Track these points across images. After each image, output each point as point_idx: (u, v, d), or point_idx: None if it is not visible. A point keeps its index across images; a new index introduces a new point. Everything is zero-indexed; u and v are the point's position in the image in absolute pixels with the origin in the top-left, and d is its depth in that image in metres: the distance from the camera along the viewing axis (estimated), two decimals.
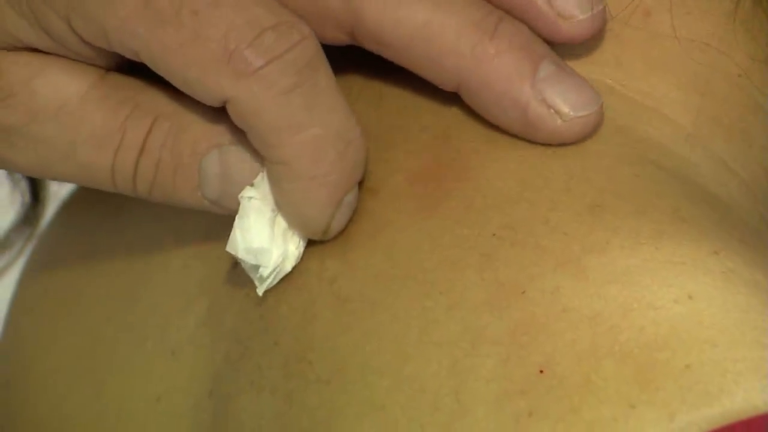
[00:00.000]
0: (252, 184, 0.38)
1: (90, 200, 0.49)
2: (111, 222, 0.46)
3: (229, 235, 0.37)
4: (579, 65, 0.39)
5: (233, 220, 0.37)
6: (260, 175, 0.38)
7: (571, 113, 0.37)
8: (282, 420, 0.36)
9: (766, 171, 0.41)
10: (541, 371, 0.32)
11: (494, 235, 0.36)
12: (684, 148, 0.39)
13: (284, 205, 0.37)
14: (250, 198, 0.38)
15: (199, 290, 0.41)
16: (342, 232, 0.38)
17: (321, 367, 0.36)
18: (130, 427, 0.42)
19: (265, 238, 0.37)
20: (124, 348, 0.43)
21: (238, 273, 0.40)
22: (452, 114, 0.39)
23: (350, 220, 0.38)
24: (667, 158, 0.38)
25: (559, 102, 0.37)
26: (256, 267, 0.37)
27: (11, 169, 0.39)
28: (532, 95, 0.37)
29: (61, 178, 0.39)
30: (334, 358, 0.36)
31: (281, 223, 0.38)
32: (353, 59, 0.40)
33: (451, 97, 0.39)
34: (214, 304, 0.40)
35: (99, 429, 0.43)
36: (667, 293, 0.33)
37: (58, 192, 0.53)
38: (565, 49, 0.39)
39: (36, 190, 0.54)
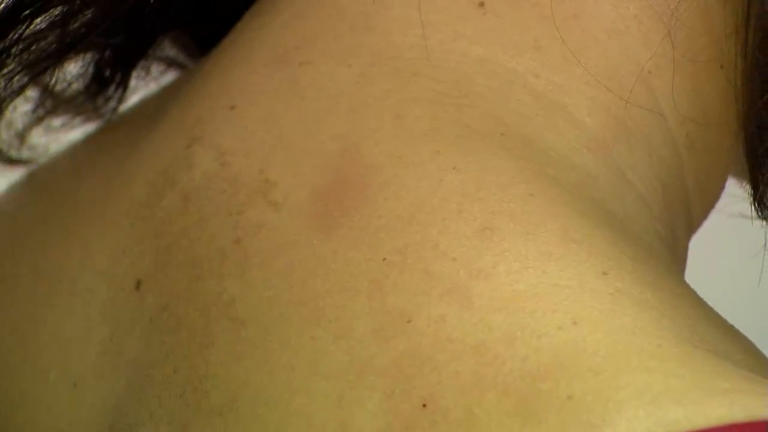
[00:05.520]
0: None
1: None
2: (17, 243, 0.46)
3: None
4: (501, 49, 0.38)
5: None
6: None
7: None
8: None
9: (663, 186, 0.40)
10: (425, 405, 0.32)
11: (385, 260, 0.35)
12: (585, 158, 0.38)
13: None
14: None
15: (101, 315, 0.40)
16: (242, 248, 0.37)
17: (215, 397, 0.35)
18: None
19: None
20: (29, 380, 0.42)
21: (142, 294, 0.39)
22: (365, 118, 0.38)
23: (251, 236, 0.37)
24: (566, 172, 0.38)
25: None
26: None
27: None
28: None
29: None
30: (227, 387, 0.35)
31: None
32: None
33: (371, 96, 0.38)
34: (116, 330, 0.40)
35: None
36: (551, 320, 0.32)
37: None
38: (492, 29, 0.38)
39: None
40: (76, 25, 0.41)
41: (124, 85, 0.48)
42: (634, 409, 0.30)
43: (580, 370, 0.31)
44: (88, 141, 0.49)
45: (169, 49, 0.51)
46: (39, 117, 0.49)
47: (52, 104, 0.48)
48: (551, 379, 0.31)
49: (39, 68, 0.42)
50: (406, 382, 0.32)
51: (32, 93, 0.47)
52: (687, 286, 0.37)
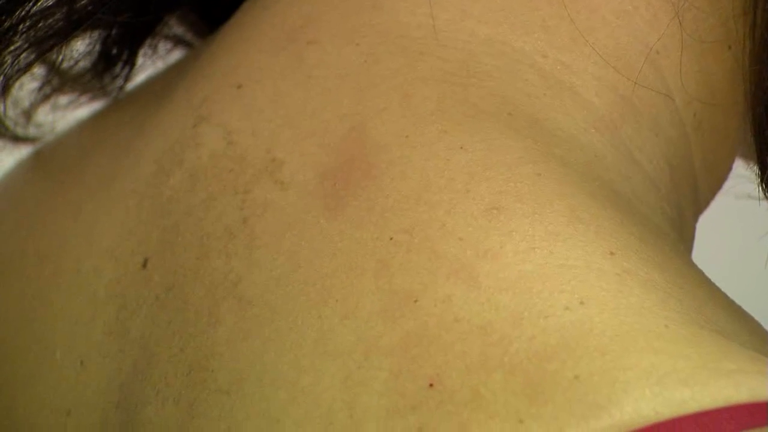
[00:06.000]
0: None
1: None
2: (23, 222, 0.46)
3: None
4: (508, 28, 0.38)
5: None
6: None
7: None
8: None
9: (670, 166, 0.40)
10: (431, 385, 0.32)
11: (392, 239, 0.35)
12: (593, 138, 0.38)
13: None
14: None
15: (107, 294, 0.40)
16: (248, 227, 0.37)
17: (222, 376, 0.35)
18: None
19: None
20: (35, 359, 0.42)
21: (148, 272, 0.39)
22: (372, 97, 0.38)
23: (258, 215, 0.37)
24: (574, 151, 0.38)
25: None
26: None
27: None
28: None
29: None
30: (234, 366, 0.35)
31: None
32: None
33: (378, 76, 0.38)
34: (122, 308, 0.40)
35: None
36: (558, 300, 0.32)
37: None
38: (499, 8, 0.38)
39: None
40: (83, 2, 0.41)
41: (131, 63, 0.47)
42: (641, 390, 0.30)
43: (586, 351, 0.31)
44: (94, 119, 0.49)
45: (176, 28, 0.51)
46: (46, 95, 0.49)
47: (59, 82, 0.48)
48: (558, 360, 0.31)
49: (46, 46, 0.42)
50: (413, 362, 0.32)
51: (39, 71, 0.47)
52: (694, 267, 0.37)
